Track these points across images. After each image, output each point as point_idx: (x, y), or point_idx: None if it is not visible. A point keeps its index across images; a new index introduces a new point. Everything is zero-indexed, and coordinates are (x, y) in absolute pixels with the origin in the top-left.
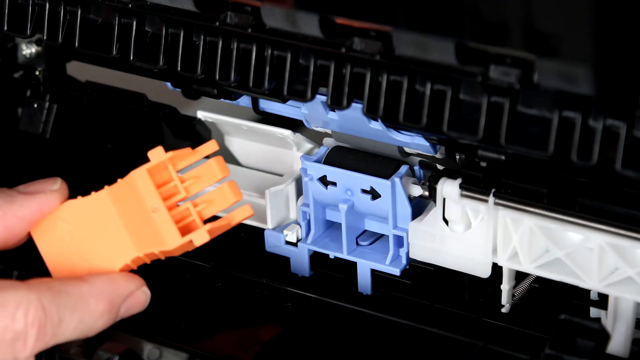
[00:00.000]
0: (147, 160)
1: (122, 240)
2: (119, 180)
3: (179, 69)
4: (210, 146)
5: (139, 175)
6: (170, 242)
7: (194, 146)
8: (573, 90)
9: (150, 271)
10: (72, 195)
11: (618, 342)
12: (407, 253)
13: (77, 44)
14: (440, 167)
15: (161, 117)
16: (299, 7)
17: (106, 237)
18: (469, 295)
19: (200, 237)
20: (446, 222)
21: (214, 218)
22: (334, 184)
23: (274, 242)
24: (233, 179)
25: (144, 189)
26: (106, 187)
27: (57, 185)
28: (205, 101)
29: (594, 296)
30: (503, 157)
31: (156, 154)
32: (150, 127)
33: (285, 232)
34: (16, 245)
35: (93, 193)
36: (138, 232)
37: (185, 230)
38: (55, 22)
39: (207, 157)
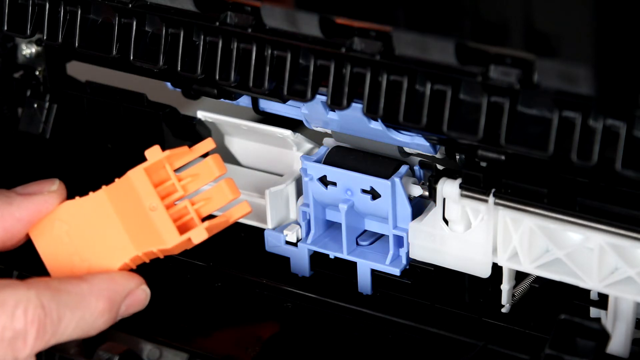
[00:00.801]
0: (146, 159)
1: (121, 239)
2: (117, 179)
3: (179, 69)
4: (207, 144)
5: (136, 174)
6: (168, 240)
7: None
8: (573, 90)
9: (150, 271)
10: (72, 195)
11: (618, 342)
12: (407, 253)
13: (77, 44)
14: (440, 167)
15: (161, 117)
16: (299, 7)
17: (105, 236)
18: (469, 295)
19: (199, 234)
20: (446, 222)
21: (212, 216)
22: (334, 184)
23: (274, 242)
24: (233, 179)
25: (142, 188)
26: (104, 186)
27: (55, 186)
28: (205, 101)
29: (594, 296)
30: (503, 157)
31: (153, 153)
32: (150, 127)
33: (285, 232)
34: (14, 247)
35: (91, 193)
36: (136, 231)
37: (183, 229)
38: (55, 22)
39: (205, 155)
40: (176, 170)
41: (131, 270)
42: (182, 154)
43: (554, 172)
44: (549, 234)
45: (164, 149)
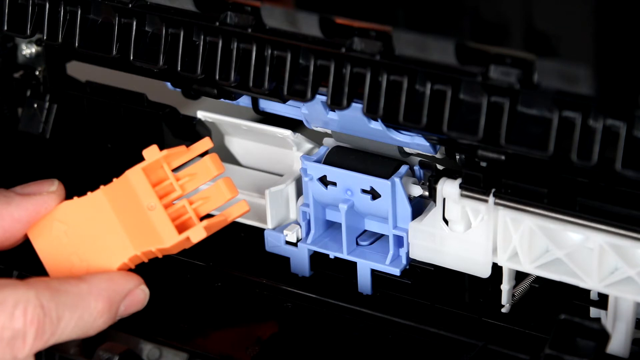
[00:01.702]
0: (144, 159)
1: (120, 239)
2: (115, 179)
3: (179, 69)
4: (205, 144)
5: (134, 174)
6: (167, 239)
7: None
8: (573, 90)
9: (150, 271)
10: (72, 195)
11: (618, 342)
12: (407, 253)
13: (77, 44)
14: (440, 167)
15: (161, 117)
16: (299, 7)
17: (103, 236)
18: (469, 295)
19: (197, 233)
20: (446, 222)
21: (211, 215)
22: (334, 184)
23: (274, 242)
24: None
25: (140, 187)
26: (102, 186)
27: (54, 187)
28: (205, 101)
29: (594, 296)
30: (503, 157)
31: (151, 153)
32: (150, 127)
33: (285, 232)
34: (12, 246)
35: (89, 193)
36: (135, 231)
37: (182, 228)
38: (55, 22)
39: (202, 154)
40: (174, 170)
41: (130, 270)
42: (180, 153)
43: (554, 172)
44: (549, 234)
45: (163, 149)
